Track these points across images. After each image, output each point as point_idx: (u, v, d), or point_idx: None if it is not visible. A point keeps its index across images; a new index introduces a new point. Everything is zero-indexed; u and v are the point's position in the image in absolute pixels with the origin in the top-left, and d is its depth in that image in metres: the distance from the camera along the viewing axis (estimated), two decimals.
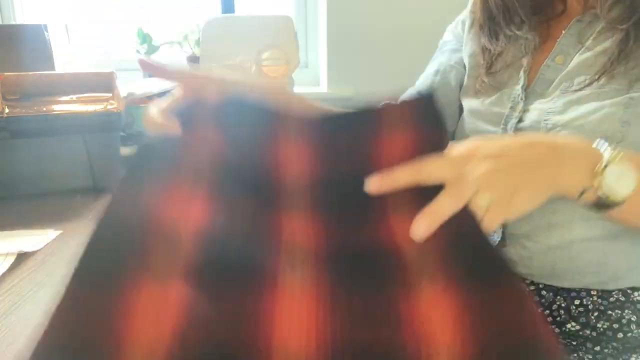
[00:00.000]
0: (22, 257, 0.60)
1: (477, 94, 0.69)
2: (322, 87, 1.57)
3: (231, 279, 0.34)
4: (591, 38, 0.59)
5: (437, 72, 0.77)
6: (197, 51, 1.47)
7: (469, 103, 0.71)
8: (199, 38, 1.46)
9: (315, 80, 1.66)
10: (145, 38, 1.46)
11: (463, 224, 0.38)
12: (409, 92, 0.76)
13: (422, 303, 0.34)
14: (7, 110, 0.79)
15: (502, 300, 0.34)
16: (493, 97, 0.67)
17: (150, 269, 0.34)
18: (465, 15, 0.78)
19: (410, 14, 1.48)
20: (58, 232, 0.68)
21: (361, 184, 0.39)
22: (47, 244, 0.64)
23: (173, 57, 1.53)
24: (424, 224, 0.37)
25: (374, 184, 0.39)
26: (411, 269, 0.36)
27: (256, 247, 0.37)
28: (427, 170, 0.40)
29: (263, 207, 0.40)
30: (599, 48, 0.58)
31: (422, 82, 0.79)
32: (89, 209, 0.80)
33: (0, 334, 0.44)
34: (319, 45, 1.62)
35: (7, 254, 0.59)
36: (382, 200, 0.39)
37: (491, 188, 0.41)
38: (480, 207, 0.39)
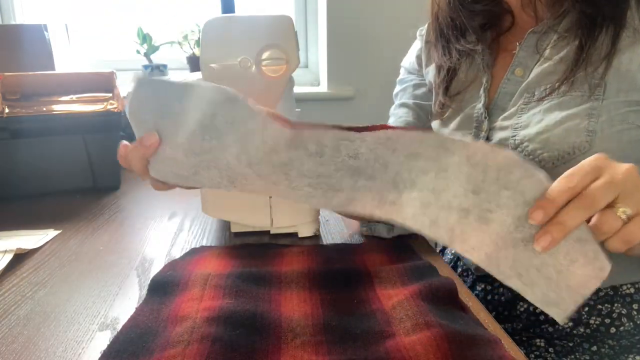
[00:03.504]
0: (22, 257, 0.60)
1: (441, 118, 0.70)
2: (322, 87, 1.58)
3: (240, 345, 0.39)
4: (549, 47, 0.59)
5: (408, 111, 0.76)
6: (197, 51, 1.47)
7: (436, 128, 0.72)
8: (199, 38, 1.46)
9: (315, 80, 1.66)
10: (145, 38, 1.46)
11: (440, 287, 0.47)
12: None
13: (407, 342, 0.39)
14: (7, 110, 0.79)
15: (476, 343, 0.39)
16: (457, 120, 0.67)
17: (170, 343, 0.39)
18: (417, 51, 0.78)
19: (410, 14, 1.48)
20: (58, 232, 0.68)
21: (350, 274, 0.52)
22: (47, 244, 0.64)
23: (173, 57, 1.54)
24: (550, 236, 0.36)
25: (538, 215, 0.36)
26: (394, 323, 0.42)
27: (261, 320, 0.43)
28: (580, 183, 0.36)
29: (264, 288, 0.49)
30: (557, 57, 0.58)
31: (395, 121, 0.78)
32: (89, 209, 0.80)
33: (0, 333, 0.44)
34: (319, 45, 1.62)
35: (5, 251, 0.59)
36: (369, 278, 0.51)
37: (630, 200, 0.36)
38: (615, 219, 0.36)
